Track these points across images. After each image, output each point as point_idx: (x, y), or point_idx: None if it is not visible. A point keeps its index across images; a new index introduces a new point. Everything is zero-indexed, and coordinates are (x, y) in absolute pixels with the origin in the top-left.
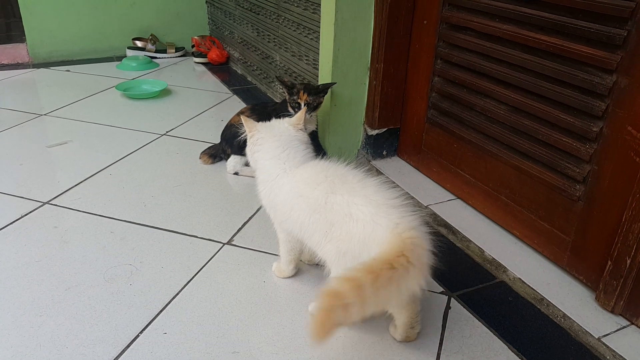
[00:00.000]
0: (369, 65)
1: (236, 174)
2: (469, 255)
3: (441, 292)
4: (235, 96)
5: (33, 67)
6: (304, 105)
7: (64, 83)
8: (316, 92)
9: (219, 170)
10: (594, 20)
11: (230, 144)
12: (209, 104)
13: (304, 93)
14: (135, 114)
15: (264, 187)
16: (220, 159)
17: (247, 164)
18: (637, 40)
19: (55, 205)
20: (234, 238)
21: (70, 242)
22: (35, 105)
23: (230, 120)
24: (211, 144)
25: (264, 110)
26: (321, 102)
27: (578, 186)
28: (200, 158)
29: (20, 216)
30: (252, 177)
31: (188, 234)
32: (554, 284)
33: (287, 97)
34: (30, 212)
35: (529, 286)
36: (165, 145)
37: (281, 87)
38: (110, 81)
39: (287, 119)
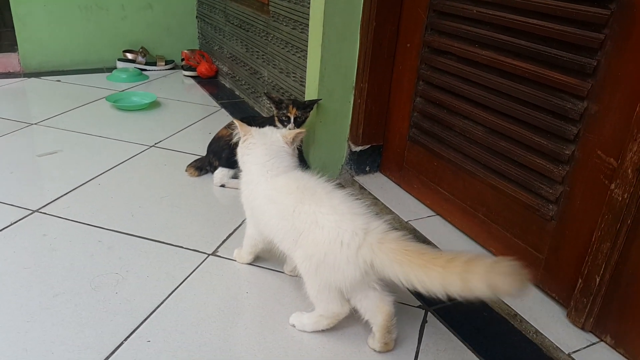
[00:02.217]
0: (354, 84)
1: (222, 186)
2: None
3: (418, 306)
4: (223, 110)
5: (24, 77)
6: (293, 119)
7: (55, 93)
8: (304, 107)
9: (205, 182)
10: (567, 49)
11: (219, 156)
12: (197, 117)
13: (293, 107)
14: (125, 125)
15: (245, 188)
16: (207, 172)
17: (234, 177)
18: (606, 69)
19: (45, 213)
20: (219, 249)
21: (59, 250)
22: (26, 114)
23: (217, 133)
24: (198, 157)
25: (252, 123)
26: (307, 117)
27: (551, 206)
28: (186, 171)
29: (9, 223)
30: (238, 189)
31: (174, 244)
32: (527, 300)
33: (275, 112)
34: (20, 219)
35: (503, 302)
36: (153, 156)
37: (269, 102)
38: (101, 92)
39: (281, 129)
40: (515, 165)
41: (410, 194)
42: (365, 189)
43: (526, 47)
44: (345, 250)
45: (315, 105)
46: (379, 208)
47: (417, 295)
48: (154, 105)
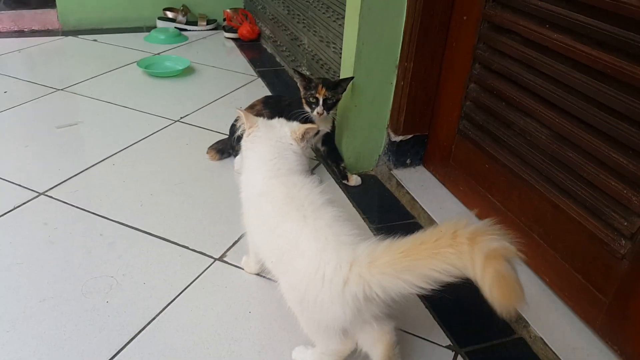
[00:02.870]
0: (397, 62)
1: None
2: (487, 301)
3: (447, 346)
4: (260, 79)
5: (62, 35)
6: (322, 101)
7: (89, 54)
8: (334, 87)
9: (225, 167)
10: None
11: (241, 141)
12: (231, 87)
13: (322, 87)
14: (153, 94)
15: (244, 186)
16: (229, 155)
17: None
18: None
19: (51, 197)
20: (227, 253)
21: (57, 243)
22: (54, 78)
23: None
24: (224, 135)
25: (278, 104)
26: (339, 99)
27: (624, 242)
28: (207, 153)
29: (13, 207)
30: None
31: (179, 243)
32: (580, 349)
33: (302, 93)
34: (24, 203)
35: (550, 349)
36: (176, 133)
37: (297, 79)
38: (135, 54)
39: (290, 123)
40: (584, 184)
41: (455, 197)
42: (402, 186)
43: (611, 34)
44: (327, 287)
45: (349, 85)
46: (417, 212)
47: (449, 330)
48: (188, 71)
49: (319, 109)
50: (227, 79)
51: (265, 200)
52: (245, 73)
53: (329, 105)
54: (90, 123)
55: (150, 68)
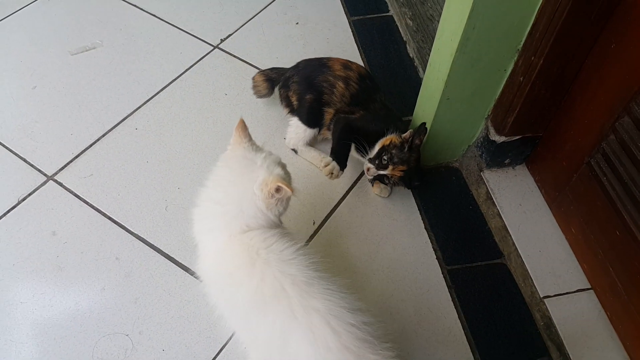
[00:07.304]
0: (519, 48)
1: (295, 152)
2: None
3: None
4: None
5: None
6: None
7: None
8: (408, 159)
9: (276, 127)
10: None
11: (300, 95)
12: None
13: (394, 167)
14: None
15: (198, 231)
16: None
17: (314, 136)
18: None
19: (60, 184)
20: None
21: (66, 269)
22: None
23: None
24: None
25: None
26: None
27: None
28: (253, 80)
29: (17, 201)
30: (317, 166)
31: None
32: None
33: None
34: (30, 194)
35: None
36: (214, 70)
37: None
38: None
39: (276, 164)
40: None
41: (564, 236)
42: (494, 203)
43: None
44: None
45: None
46: (507, 249)
47: None
48: None
49: (371, 172)
50: None
51: (237, 272)
52: None
53: (393, 181)
54: (110, 46)
55: None
